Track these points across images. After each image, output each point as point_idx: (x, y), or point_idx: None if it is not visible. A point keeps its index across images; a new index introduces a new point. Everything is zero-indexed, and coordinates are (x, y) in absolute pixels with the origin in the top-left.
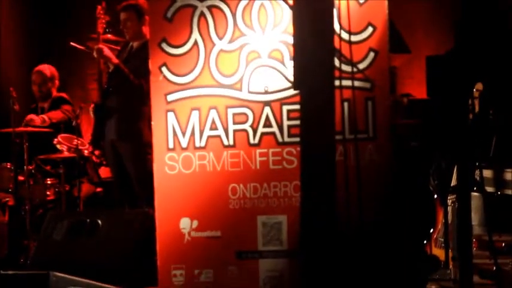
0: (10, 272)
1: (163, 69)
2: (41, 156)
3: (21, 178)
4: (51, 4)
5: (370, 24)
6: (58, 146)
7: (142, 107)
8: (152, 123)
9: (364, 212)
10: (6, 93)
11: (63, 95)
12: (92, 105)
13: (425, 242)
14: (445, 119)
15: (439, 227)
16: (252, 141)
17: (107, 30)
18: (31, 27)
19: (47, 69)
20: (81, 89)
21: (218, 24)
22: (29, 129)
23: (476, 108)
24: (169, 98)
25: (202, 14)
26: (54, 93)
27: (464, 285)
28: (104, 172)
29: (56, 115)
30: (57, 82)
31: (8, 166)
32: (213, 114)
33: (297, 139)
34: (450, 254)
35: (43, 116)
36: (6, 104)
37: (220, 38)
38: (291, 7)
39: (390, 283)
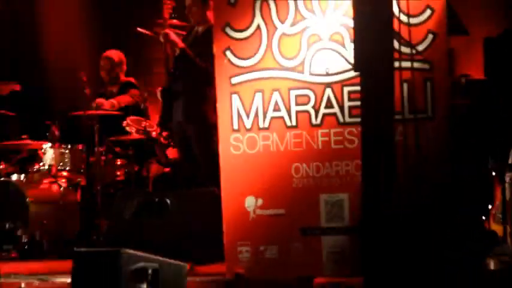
0: (83, 250)
1: (228, 52)
2: (111, 138)
3: (92, 159)
4: None
5: (428, 6)
6: (127, 128)
7: (208, 90)
8: (217, 105)
9: (423, 190)
10: (76, 77)
11: (131, 79)
12: (160, 89)
13: (483, 218)
14: (502, 99)
15: (497, 203)
16: (314, 121)
17: (173, 15)
18: (99, 14)
19: (115, 54)
20: (148, 73)
21: (280, 9)
22: (100, 112)
23: None
24: (234, 80)
25: None
26: (122, 77)
27: None
28: (172, 153)
29: (125, 99)
30: (124, 67)
31: (80, 148)
32: (276, 96)
33: (358, 119)
34: (508, 230)
35: (112, 100)
36: (77, 88)
37: (282, 22)
38: None
39: (448, 259)
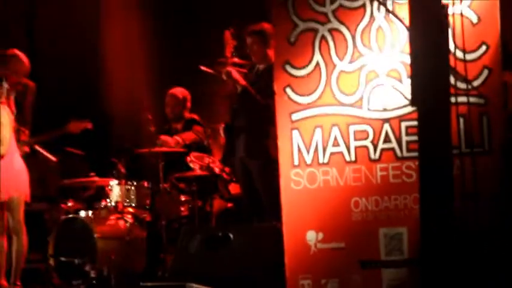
0: (149, 284)
1: (288, 89)
2: (176, 175)
3: (157, 196)
4: (181, 31)
5: (483, 43)
6: (191, 165)
7: (269, 126)
8: (278, 141)
9: (480, 223)
10: (140, 116)
11: (195, 116)
12: (222, 125)
13: None
14: None
15: None
16: (372, 156)
17: (234, 53)
18: (163, 52)
19: (179, 92)
20: (210, 110)
21: (338, 46)
22: (164, 149)
23: None
24: (294, 117)
25: (323, 37)
26: (187, 114)
27: None
28: (234, 188)
29: (189, 136)
30: (188, 104)
31: (145, 184)
32: (335, 131)
33: (416, 154)
34: None
35: (177, 137)
36: (141, 126)
37: (341, 59)
38: (407, 28)
39: (503, 284)
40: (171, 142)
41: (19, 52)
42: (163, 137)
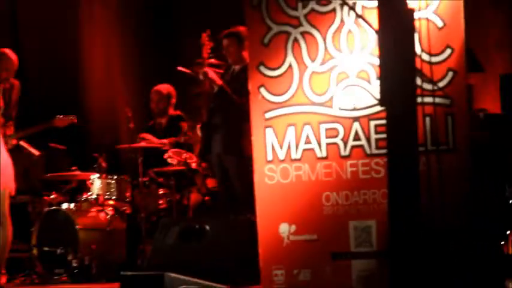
0: (129, 273)
1: (262, 89)
2: (154, 169)
3: (136, 189)
4: (160, 31)
5: (448, 46)
6: (169, 160)
7: (244, 124)
8: (252, 138)
9: (445, 217)
10: (120, 114)
11: (179, 113)
12: (200, 124)
13: (502, 242)
14: None
15: None
16: (343, 153)
17: (211, 55)
18: (143, 53)
19: (163, 88)
20: (187, 108)
21: (310, 48)
22: (143, 144)
23: None
24: (267, 115)
25: (295, 40)
26: (171, 111)
27: None
28: (210, 183)
29: (173, 139)
30: (173, 100)
31: (125, 178)
32: (307, 129)
33: (384, 151)
34: None
35: (163, 141)
36: (121, 123)
37: (312, 61)
38: (376, 32)
39: (469, 282)
40: (155, 143)
41: (8, 50)
42: (149, 136)
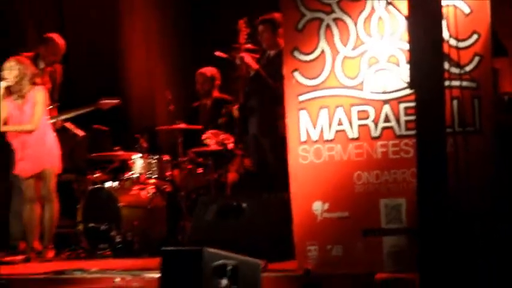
0: (170, 248)
1: (296, 73)
2: (194, 149)
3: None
4: (199, 20)
5: (475, 32)
6: (207, 141)
7: (278, 107)
8: (286, 120)
9: (471, 198)
10: (162, 96)
11: (224, 96)
12: (236, 106)
13: None
14: None
15: None
16: (373, 134)
17: (247, 40)
18: (183, 41)
19: (208, 70)
20: (225, 92)
21: (342, 34)
22: (182, 126)
23: None
24: (301, 98)
25: (328, 26)
26: (216, 93)
27: None
28: (247, 162)
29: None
30: (217, 82)
31: (166, 158)
32: (339, 111)
33: (413, 132)
34: None
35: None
36: (163, 106)
37: (344, 46)
38: (406, 18)
39: (493, 264)
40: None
41: (56, 35)
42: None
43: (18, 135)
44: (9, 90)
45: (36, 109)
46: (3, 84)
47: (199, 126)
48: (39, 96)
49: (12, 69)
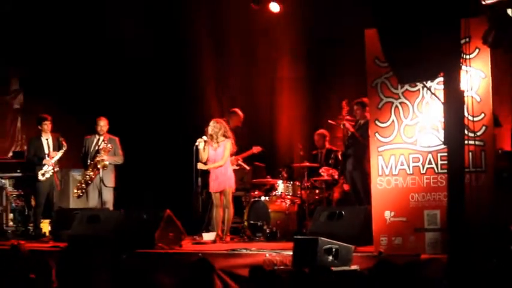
0: (299, 237)
1: (376, 134)
2: (314, 178)
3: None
4: (318, 102)
5: (483, 112)
6: (321, 173)
7: (366, 153)
8: (370, 162)
9: (480, 210)
10: (296, 145)
11: (333, 147)
12: (340, 152)
13: None
14: None
15: None
16: (422, 171)
17: (347, 113)
18: (310, 114)
19: (322, 131)
20: (332, 144)
21: (404, 111)
22: (306, 164)
23: None
24: (379, 149)
25: (396, 106)
26: (327, 144)
27: None
28: (346, 187)
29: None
30: (328, 138)
31: (297, 183)
32: (402, 157)
33: (445, 171)
34: None
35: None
36: (296, 151)
37: (405, 118)
38: (442, 103)
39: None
40: (325, 171)
41: (239, 109)
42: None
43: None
44: (210, 139)
45: (225, 153)
46: (205, 138)
47: (317, 165)
48: (227, 145)
49: (213, 126)
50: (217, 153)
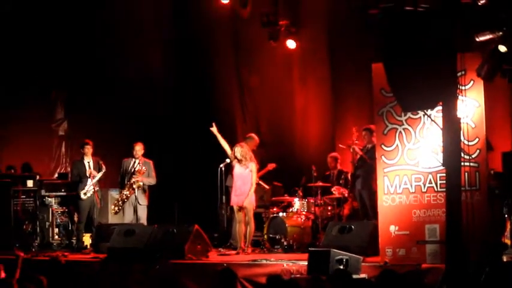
0: (313, 249)
1: (383, 157)
2: (326, 196)
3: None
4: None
5: (477, 137)
6: (333, 191)
7: (373, 174)
8: (377, 181)
9: (475, 223)
10: (310, 167)
11: (343, 168)
12: (350, 174)
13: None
14: None
15: (508, 228)
16: (423, 190)
17: (356, 139)
18: (323, 135)
19: (334, 154)
20: (343, 166)
21: (407, 136)
22: (320, 184)
23: None
24: (385, 170)
25: (400, 132)
26: (338, 166)
27: None
28: (355, 204)
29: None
30: (339, 161)
31: (311, 200)
32: (405, 177)
33: (444, 189)
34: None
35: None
36: (310, 172)
37: (409, 142)
38: (441, 128)
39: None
40: (336, 191)
41: (255, 134)
42: (336, 188)
43: (235, 183)
44: (239, 163)
45: (253, 176)
46: (228, 160)
47: (329, 184)
48: (253, 167)
49: (240, 150)
50: (245, 174)
